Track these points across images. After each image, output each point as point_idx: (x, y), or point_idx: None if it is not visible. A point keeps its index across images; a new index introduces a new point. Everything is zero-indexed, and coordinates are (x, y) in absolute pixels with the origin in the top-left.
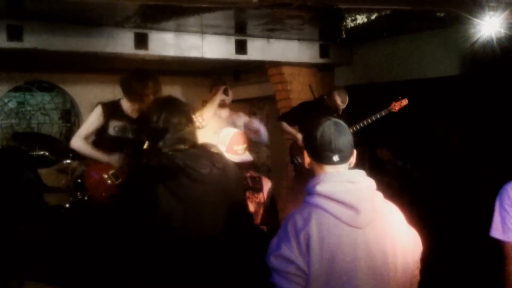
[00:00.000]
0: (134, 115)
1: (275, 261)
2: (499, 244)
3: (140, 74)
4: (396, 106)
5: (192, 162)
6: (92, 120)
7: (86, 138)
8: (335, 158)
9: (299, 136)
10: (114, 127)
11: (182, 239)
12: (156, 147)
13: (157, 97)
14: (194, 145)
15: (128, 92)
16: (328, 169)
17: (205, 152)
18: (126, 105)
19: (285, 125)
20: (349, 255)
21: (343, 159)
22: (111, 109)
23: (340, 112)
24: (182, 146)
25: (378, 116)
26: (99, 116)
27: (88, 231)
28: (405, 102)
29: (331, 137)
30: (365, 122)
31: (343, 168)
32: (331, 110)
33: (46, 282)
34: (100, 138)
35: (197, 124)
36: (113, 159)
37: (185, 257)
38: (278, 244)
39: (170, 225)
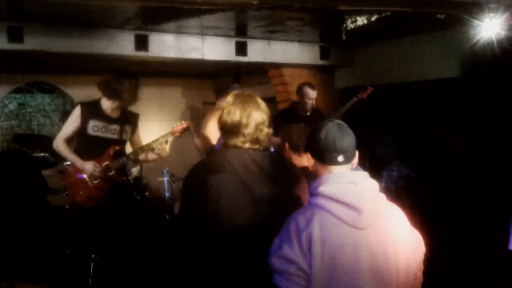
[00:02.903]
0: (114, 114)
1: (276, 261)
2: None
3: (117, 73)
4: (364, 94)
5: (270, 165)
6: (70, 122)
7: (67, 140)
8: (340, 158)
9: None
10: (93, 127)
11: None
12: (232, 143)
13: (135, 96)
14: (267, 149)
15: (106, 90)
16: (332, 169)
17: (280, 158)
18: (106, 105)
19: None
20: (351, 256)
21: (347, 160)
22: (90, 109)
23: (308, 113)
24: (257, 146)
25: (348, 106)
26: (77, 117)
27: (86, 232)
28: (370, 88)
29: (335, 137)
30: (337, 115)
31: (346, 169)
32: (301, 115)
33: (40, 283)
34: (80, 138)
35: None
36: (87, 166)
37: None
38: (280, 245)
39: (235, 222)
